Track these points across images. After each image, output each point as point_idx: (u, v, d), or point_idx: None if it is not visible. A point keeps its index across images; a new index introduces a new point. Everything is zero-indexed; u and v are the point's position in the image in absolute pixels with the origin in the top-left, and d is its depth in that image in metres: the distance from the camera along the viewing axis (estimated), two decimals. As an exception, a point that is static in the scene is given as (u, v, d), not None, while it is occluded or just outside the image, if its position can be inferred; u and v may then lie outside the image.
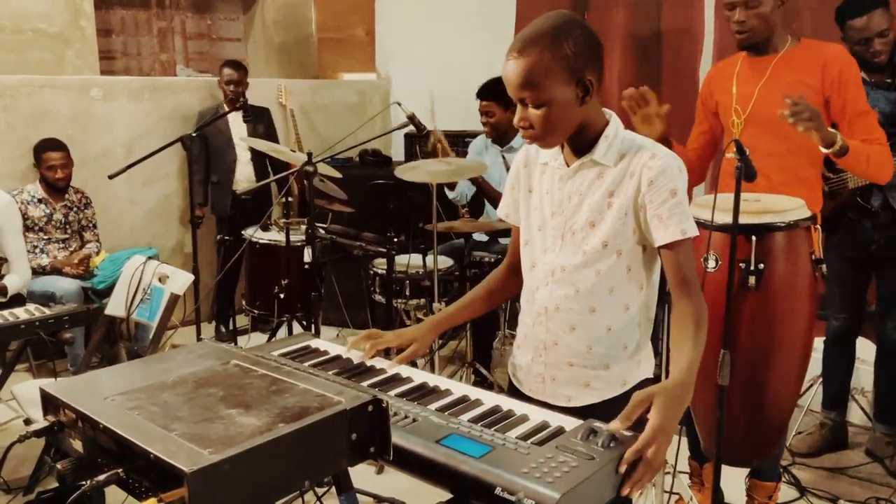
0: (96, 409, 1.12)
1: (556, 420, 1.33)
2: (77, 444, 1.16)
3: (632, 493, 1.21)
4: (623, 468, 1.19)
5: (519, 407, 1.40)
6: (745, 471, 2.66)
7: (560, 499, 1.05)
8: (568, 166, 1.59)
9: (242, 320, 4.92)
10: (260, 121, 4.90)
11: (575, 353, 1.61)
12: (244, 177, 4.87)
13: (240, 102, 4.72)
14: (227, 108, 4.77)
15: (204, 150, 4.77)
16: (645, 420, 1.29)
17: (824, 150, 2.30)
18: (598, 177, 1.56)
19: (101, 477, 1.05)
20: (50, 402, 1.21)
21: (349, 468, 1.37)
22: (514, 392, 1.72)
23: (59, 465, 1.16)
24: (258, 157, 4.88)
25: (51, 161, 4.09)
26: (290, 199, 4.94)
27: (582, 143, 1.56)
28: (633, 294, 1.59)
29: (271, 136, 4.93)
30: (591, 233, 1.56)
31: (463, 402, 1.42)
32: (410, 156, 5.27)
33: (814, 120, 2.21)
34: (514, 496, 1.08)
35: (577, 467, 1.14)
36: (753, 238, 2.12)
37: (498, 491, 1.10)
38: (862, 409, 3.47)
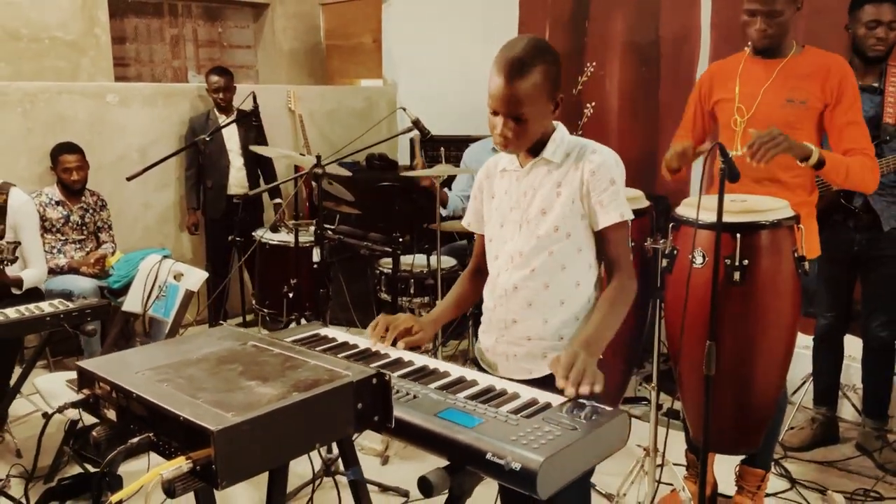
0: (129, 381, 1.25)
1: (544, 397, 1.45)
2: (111, 414, 1.29)
3: (567, 389, 1.43)
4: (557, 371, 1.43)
5: (511, 386, 1.52)
6: (738, 463, 2.77)
7: (543, 462, 1.17)
8: (522, 167, 1.80)
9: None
10: (251, 126, 5.04)
11: (532, 328, 1.79)
12: (237, 182, 5.01)
13: (233, 110, 4.89)
14: (217, 115, 4.93)
15: (195, 155, 4.91)
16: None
17: (801, 164, 2.41)
18: (548, 173, 1.77)
19: (135, 439, 1.17)
20: (85, 377, 1.34)
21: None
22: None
23: (94, 433, 1.29)
24: (251, 164, 5.04)
25: (66, 164, 4.23)
26: (280, 200, 5.13)
27: (535, 146, 1.77)
28: (583, 272, 1.78)
29: (261, 140, 5.06)
30: (543, 219, 1.76)
31: (460, 383, 1.55)
32: (415, 159, 5.41)
33: (778, 142, 2.28)
34: (503, 460, 1.21)
35: (561, 436, 1.26)
36: (738, 236, 2.23)
37: (489, 456, 1.22)
38: (853, 405, 3.57)
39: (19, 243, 3.24)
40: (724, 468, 2.82)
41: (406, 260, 3.83)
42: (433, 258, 3.73)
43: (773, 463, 3.08)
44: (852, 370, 3.53)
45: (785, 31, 2.53)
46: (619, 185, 1.73)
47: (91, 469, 3.05)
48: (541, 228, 1.76)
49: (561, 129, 1.79)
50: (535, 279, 1.77)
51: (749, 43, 2.67)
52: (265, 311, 4.42)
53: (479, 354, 1.94)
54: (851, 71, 2.54)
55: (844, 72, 2.51)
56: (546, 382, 1.57)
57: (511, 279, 1.80)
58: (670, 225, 2.43)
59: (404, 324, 1.79)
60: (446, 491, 1.28)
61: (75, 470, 3.09)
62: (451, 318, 1.99)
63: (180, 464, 1.09)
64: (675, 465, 2.86)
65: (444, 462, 1.30)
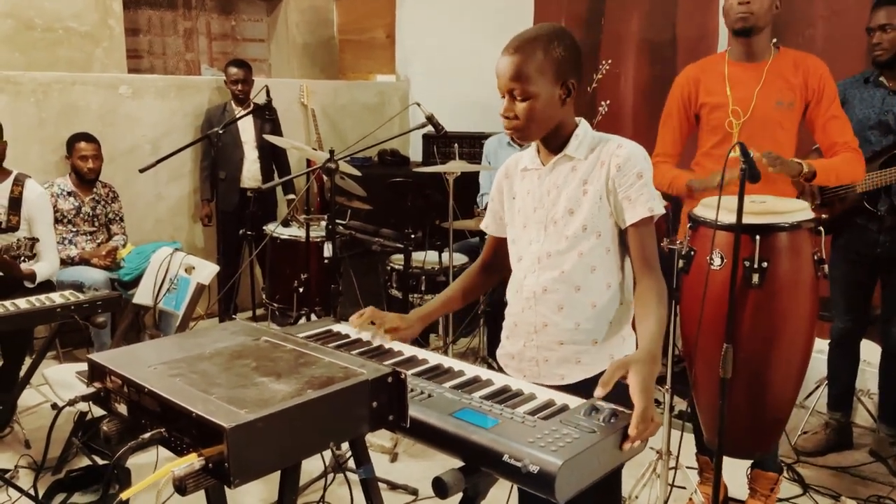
0: (141, 375, 1.23)
1: (561, 399, 1.42)
2: (122, 408, 1.26)
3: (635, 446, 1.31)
4: (634, 432, 1.29)
5: (527, 387, 1.49)
6: (748, 466, 2.74)
7: (562, 465, 1.15)
8: (545, 165, 1.75)
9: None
10: (266, 120, 5.02)
11: (564, 332, 1.74)
12: (251, 175, 5.00)
13: (249, 102, 4.87)
14: (234, 107, 4.92)
15: (210, 147, 4.90)
16: (623, 386, 1.40)
17: (794, 178, 2.52)
18: (573, 170, 1.72)
19: (146, 435, 1.15)
20: (96, 371, 1.32)
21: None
22: None
23: (104, 427, 1.27)
24: (265, 157, 5.02)
25: (82, 151, 4.24)
26: (293, 195, 5.12)
27: (557, 143, 1.73)
28: (613, 273, 1.72)
29: (277, 133, 5.02)
30: (570, 219, 1.71)
31: (475, 382, 1.52)
32: (428, 156, 5.38)
33: (778, 163, 2.42)
34: (520, 462, 1.18)
35: (580, 439, 1.23)
36: (758, 237, 2.19)
37: (506, 458, 1.20)
38: (867, 410, 3.53)
39: (37, 239, 3.24)
40: (733, 472, 2.79)
41: (418, 257, 3.81)
42: (445, 255, 3.70)
43: (786, 468, 3.05)
44: (867, 375, 3.49)
45: (765, 16, 2.57)
46: (646, 178, 1.66)
47: (99, 461, 3.04)
48: (569, 229, 1.71)
49: (584, 125, 1.74)
50: (566, 281, 1.72)
51: (727, 48, 2.74)
52: (275, 305, 4.41)
53: (504, 360, 1.88)
54: (828, 70, 2.63)
55: (823, 69, 2.61)
56: (579, 389, 1.52)
57: (539, 281, 1.74)
58: (688, 225, 2.40)
59: (391, 322, 1.76)
60: (460, 492, 1.26)
61: (83, 462, 3.09)
62: (443, 313, 1.96)
63: (192, 461, 1.06)
64: (688, 468, 2.83)
65: (454, 462, 1.27)
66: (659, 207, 1.67)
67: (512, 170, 1.85)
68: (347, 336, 1.78)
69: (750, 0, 2.53)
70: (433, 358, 1.65)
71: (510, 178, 1.85)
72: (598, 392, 1.37)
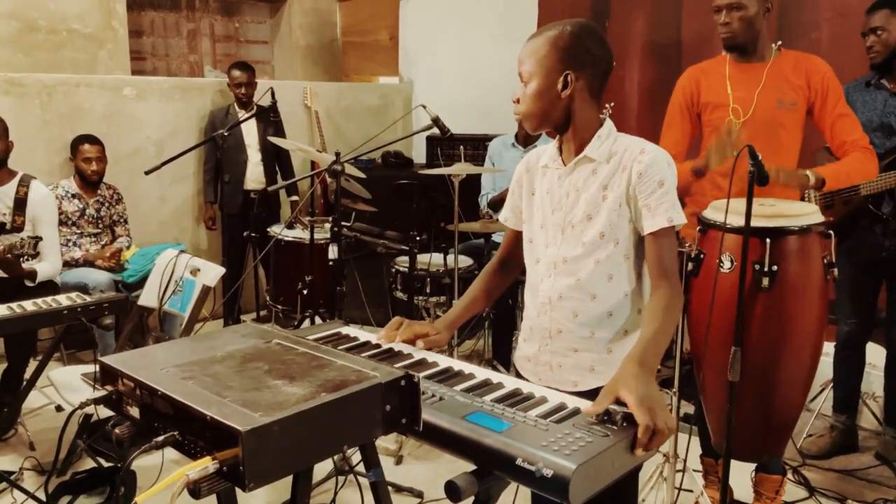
0: (154, 378, 1.22)
1: (573, 402, 1.42)
2: (134, 411, 1.26)
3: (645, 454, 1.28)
4: (640, 447, 1.26)
5: (538, 390, 1.49)
6: (752, 469, 2.73)
7: (576, 469, 1.14)
8: (566, 165, 1.72)
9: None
10: (270, 122, 5.02)
11: (579, 339, 1.72)
12: (254, 177, 5.01)
13: (253, 105, 4.87)
14: (237, 109, 4.92)
15: (213, 150, 4.91)
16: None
17: (805, 189, 2.56)
18: (593, 173, 1.68)
19: (160, 438, 1.15)
20: (108, 373, 1.32)
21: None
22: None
23: (117, 430, 1.26)
24: (268, 159, 5.02)
25: (87, 153, 4.24)
26: (296, 197, 5.11)
27: (578, 142, 1.70)
28: (630, 281, 1.70)
29: (280, 136, 5.02)
30: (588, 225, 1.68)
31: (486, 385, 1.51)
32: (432, 158, 5.38)
33: (782, 174, 2.45)
34: (533, 466, 1.17)
35: (593, 443, 1.22)
36: (768, 241, 2.19)
37: (519, 462, 1.19)
38: (873, 413, 3.53)
39: (40, 238, 3.24)
40: (738, 474, 2.78)
41: (423, 258, 3.81)
42: (450, 257, 3.70)
43: (791, 471, 3.04)
44: (872, 378, 3.49)
45: (751, 29, 2.61)
46: (668, 187, 1.61)
47: (104, 463, 3.04)
48: (586, 235, 1.68)
49: (608, 125, 1.70)
50: (582, 290, 1.70)
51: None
52: (279, 307, 4.41)
53: (521, 363, 1.87)
54: (831, 70, 2.64)
55: (826, 69, 2.62)
56: (593, 396, 1.51)
57: (555, 287, 1.72)
58: (697, 228, 2.40)
59: (421, 328, 1.73)
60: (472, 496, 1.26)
61: (88, 464, 3.08)
62: (469, 316, 1.91)
63: (206, 464, 1.06)
64: (694, 471, 2.82)
65: (459, 464, 1.27)
66: (679, 218, 1.62)
67: (533, 164, 1.82)
68: (356, 339, 1.77)
69: (729, 20, 2.60)
70: (443, 361, 1.64)
71: (531, 172, 1.82)
72: (588, 411, 1.34)
